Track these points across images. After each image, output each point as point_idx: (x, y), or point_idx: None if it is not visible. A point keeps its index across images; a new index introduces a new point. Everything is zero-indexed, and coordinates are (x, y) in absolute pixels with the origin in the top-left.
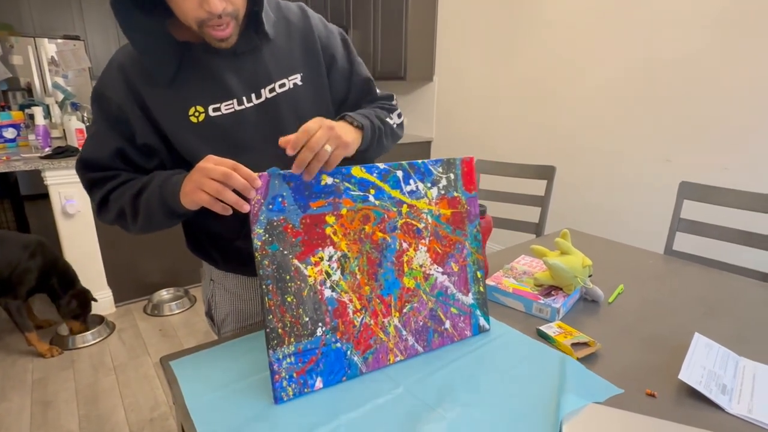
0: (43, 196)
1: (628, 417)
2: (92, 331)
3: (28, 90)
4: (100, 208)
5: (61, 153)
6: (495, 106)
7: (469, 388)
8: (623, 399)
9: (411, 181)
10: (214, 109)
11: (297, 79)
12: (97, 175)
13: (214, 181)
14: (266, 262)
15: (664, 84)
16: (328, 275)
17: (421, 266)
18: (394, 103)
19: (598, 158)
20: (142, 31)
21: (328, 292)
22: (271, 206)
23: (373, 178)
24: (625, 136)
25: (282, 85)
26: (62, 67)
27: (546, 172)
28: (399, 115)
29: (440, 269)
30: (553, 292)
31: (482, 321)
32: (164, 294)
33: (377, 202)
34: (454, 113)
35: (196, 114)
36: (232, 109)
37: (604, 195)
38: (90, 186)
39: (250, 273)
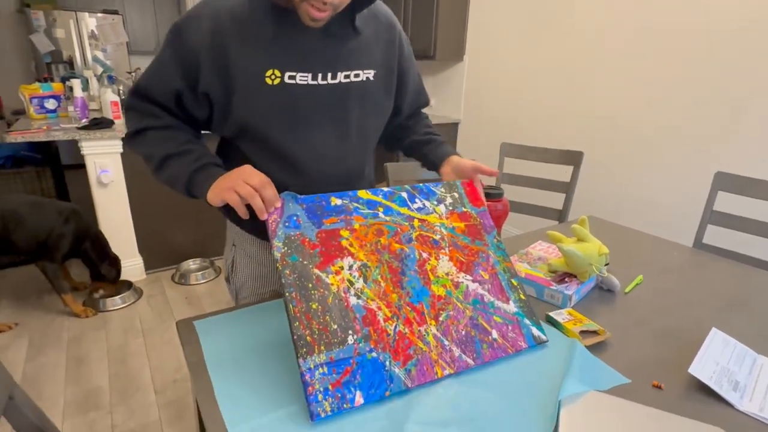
0: (82, 166)
1: (628, 406)
2: (121, 295)
3: (70, 63)
4: (133, 136)
5: (96, 124)
6: (525, 88)
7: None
8: (628, 389)
9: (417, 200)
10: (290, 77)
11: (371, 74)
12: (145, 107)
13: (250, 186)
14: (287, 272)
15: (704, 68)
16: (351, 283)
17: (447, 274)
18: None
19: (631, 145)
20: None
21: (353, 300)
22: (287, 224)
23: (379, 199)
24: (660, 123)
25: (357, 75)
26: (101, 41)
27: (573, 158)
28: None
29: (469, 277)
30: (566, 279)
31: (535, 331)
32: (191, 264)
33: (387, 218)
34: (483, 94)
35: (273, 77)
36: (306, 82)
37: (634, 183)
38: (134, 112)
39: None
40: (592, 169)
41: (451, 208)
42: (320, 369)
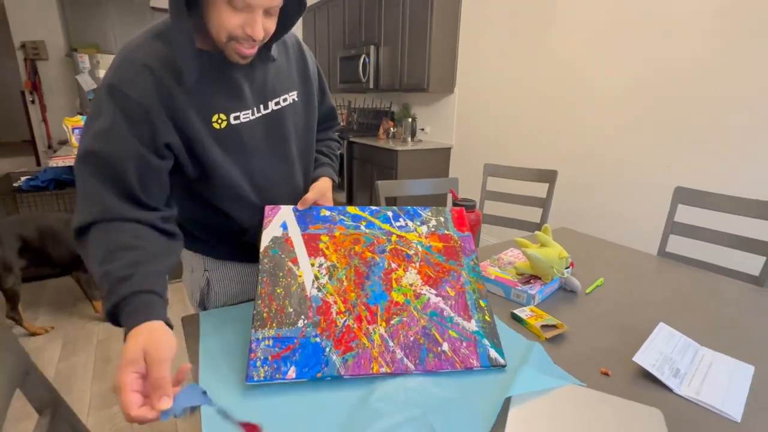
0: None
1: (575, 390)
2: None
3: None
4: (82, 231)
5: None
6: (510, 115)
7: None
8: (579, 376)
9: (401, 219)
10: (235, 118)
11: (294, 95)
12: (96, 186)
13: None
14: (266, 260)
15: (668, 92)
16: (317, 278)
17: (410, 285)
18: (338, 130)
19: (603, 163)
20: (183, 32)
21: (314, 292)
22: (278, 226)
23: (365, 214)
24: (628, 143)
25: (285, 100)
26: None
27: (548, 176)
28: (340, 143)
29: (433, 291)
30: (532, 281)
31: (493, 352)
32: None
33: (367, 231)
34: (472, 122)
35: (219, 121)
36: (248, 119)
37: (606, 198)
38: (89, 191)
39: (251, 260)
40: (567, 186)
41: (433, 229)
42: (266, 341)
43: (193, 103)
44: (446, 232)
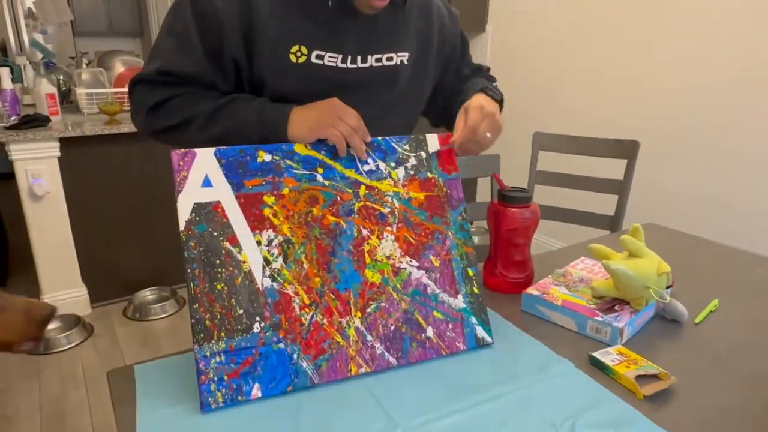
0: (12, 176)
1: None
2: (67, 334)
3: (3, 48)
4: (151, 111)
5: (27, 122)
6: (565, 64)
7: None
8: None
9: (369, 160)
10: (317, 56)
11: (405, 57)
12: (164, 79)
13: (348, 125)
14: (192, 244)
15: None
16: (268, 262)
17: (388, 258)
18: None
19: (703, 131)
20: None
21: (267, 282)
22: (198, 182)
23: (321, 156)
24: (740, 105)
25: (389, 59)
26: (41, 21)
27: (626, 149)
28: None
29: (414, 263)
30: (616, 307)
31: (480, 331)
32: (148, 294)
33: (327, 182)
34: (510, 73)
35: (298, 54)
36: (334, 64)
37: (706, 181)
38: (150, 84)
39: None
40: (650, 163)
41: (412, 172)
42: (217, 357)
43: (275, 26)
44: (429, 175)
